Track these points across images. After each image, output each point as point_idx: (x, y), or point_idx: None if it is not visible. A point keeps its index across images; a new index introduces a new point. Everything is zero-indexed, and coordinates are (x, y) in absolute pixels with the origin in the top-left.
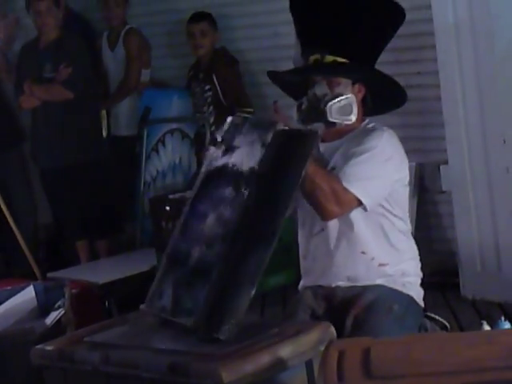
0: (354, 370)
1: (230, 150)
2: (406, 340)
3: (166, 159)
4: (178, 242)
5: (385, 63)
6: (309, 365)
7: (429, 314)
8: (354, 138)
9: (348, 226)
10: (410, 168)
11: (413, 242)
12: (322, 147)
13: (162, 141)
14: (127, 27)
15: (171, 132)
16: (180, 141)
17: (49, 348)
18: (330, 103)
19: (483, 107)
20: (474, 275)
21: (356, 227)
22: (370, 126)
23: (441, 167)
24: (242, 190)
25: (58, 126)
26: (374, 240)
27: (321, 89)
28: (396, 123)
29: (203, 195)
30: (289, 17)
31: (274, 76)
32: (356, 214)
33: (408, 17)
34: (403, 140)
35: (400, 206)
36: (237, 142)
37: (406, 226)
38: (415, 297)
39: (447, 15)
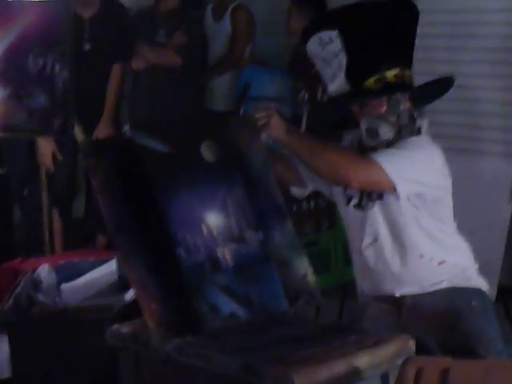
0: None
1: None
2: (486, 365)
3: None
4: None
5: (490, 62)
6: (384, 378)
7: None
8: None
9: (401, 231)
10: (509, 172)
11: (461, 240)
12: None
13: None
14: (236, 2)
15: None
16: None
17: (124, 330)
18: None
19: None
20: None
21: (409, 231)
22: None
23: None
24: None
25: (161, 95)
26: (428, 241)
27: (403, 105)
28: (499, 125)
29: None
30: None
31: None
32: (406, 218)
33: None
34: (504, 143)
35: (447, 213)
36: None
37: (453, 229)
38: (483, 288)
39: None
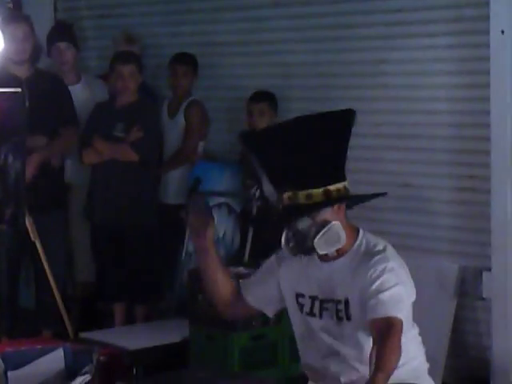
0: None
1: None
2: None
3: None
4: None
5: (437, 163)
6: None
7: None
8: (357, 264)
9: (361, 349)
10: (453, 270)
11: (418, 340)
12: (323, 267)
13: None
14: (190, 98)
15: (218, 206)
16: (226, 215)
17: None
18: (317, 238)
19: None
20: None
21: (367, 349)
22: (370, 246)
23: (483, 273)
24: None
25: (116, 187)
26: None
27: (303, 223)
28: (444, 223)
29: None
30: None
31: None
32: (369, 338)
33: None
34: (449, 241)
35: (408, 320)
36: None
37: (413, 330)
38: None
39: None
